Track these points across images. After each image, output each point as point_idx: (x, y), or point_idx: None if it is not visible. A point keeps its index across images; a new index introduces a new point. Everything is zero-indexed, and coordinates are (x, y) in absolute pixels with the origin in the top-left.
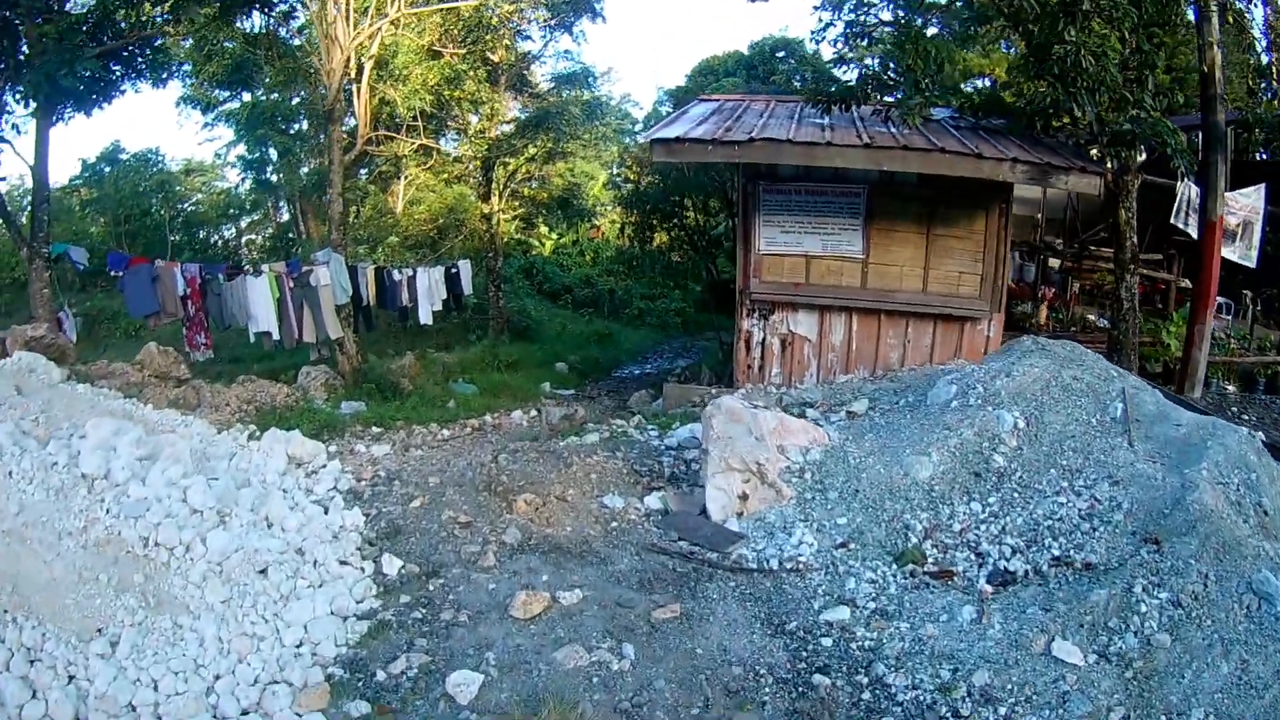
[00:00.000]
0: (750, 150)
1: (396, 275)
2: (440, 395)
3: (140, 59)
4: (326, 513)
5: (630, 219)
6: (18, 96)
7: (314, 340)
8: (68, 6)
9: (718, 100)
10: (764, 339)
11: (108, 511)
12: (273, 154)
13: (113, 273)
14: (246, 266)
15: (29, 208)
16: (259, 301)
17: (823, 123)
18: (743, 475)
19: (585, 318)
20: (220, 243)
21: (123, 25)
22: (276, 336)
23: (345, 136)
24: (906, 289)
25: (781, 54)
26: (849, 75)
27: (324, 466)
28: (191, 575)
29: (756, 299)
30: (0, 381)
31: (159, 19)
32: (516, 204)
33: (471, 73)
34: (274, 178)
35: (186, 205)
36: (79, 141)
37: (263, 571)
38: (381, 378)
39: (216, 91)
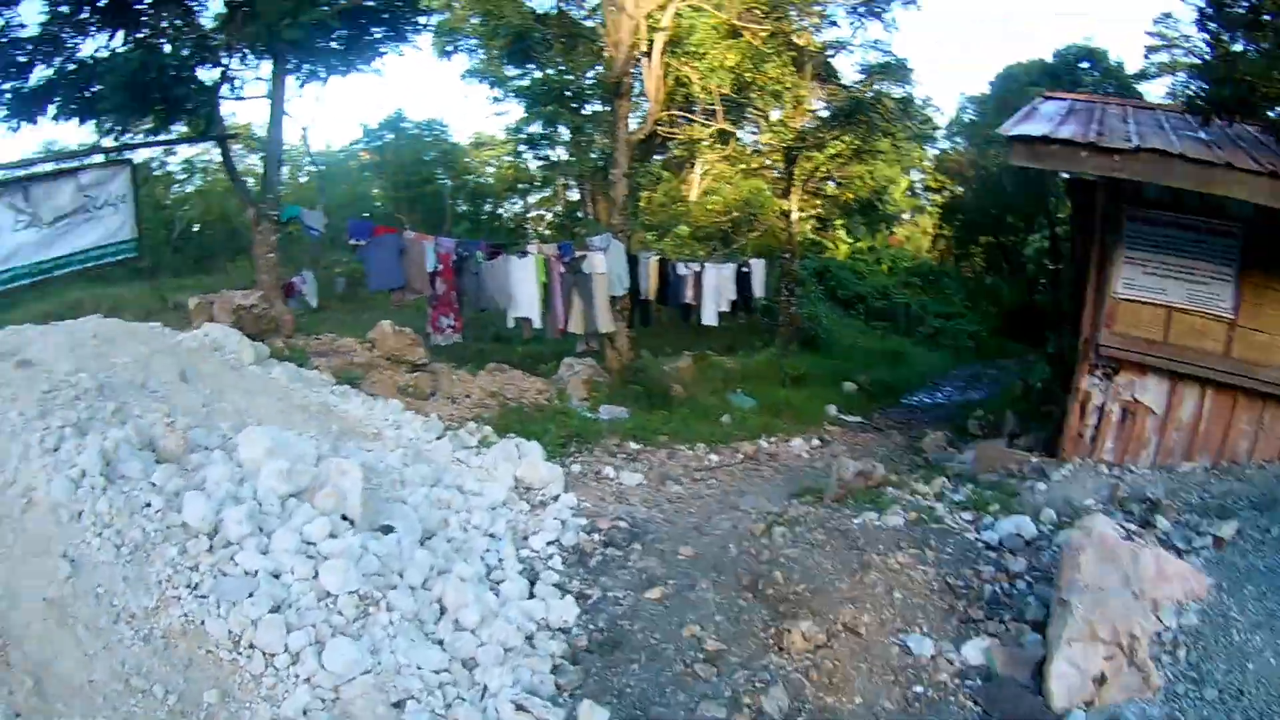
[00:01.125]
0: (1133, 163)
1: (682, 269)
2: (714, 407)
3: (403, 21)
4: (530, 592)
5: (946, 231)
6: (248, 54)
7: (581, 332)
8: None
9: (1067, 99)
10: (1103, 404)
11: (193, 588)
12: (564, 133)
13: (352, 241)
14: (510, 247)
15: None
16: (522, 284)
17: (1200, 137)
18: (1107, 649)
19: (878, 332)
20: (506, 217)
21: None
22: (538, 324)
23: (632, 112)
24: (1274, 363)
25: (1086, 64)
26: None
27: (556, 499)
28: (286, 707)
29: (1104, 354)
30: (164, 362)
31: None
32: (817, 203)
33: (775, 56)
34: (559, 156)
35: (473, 178)
36: (362, 108)
37: (398, 705)
38: (652, 380)
39: (506, 67)
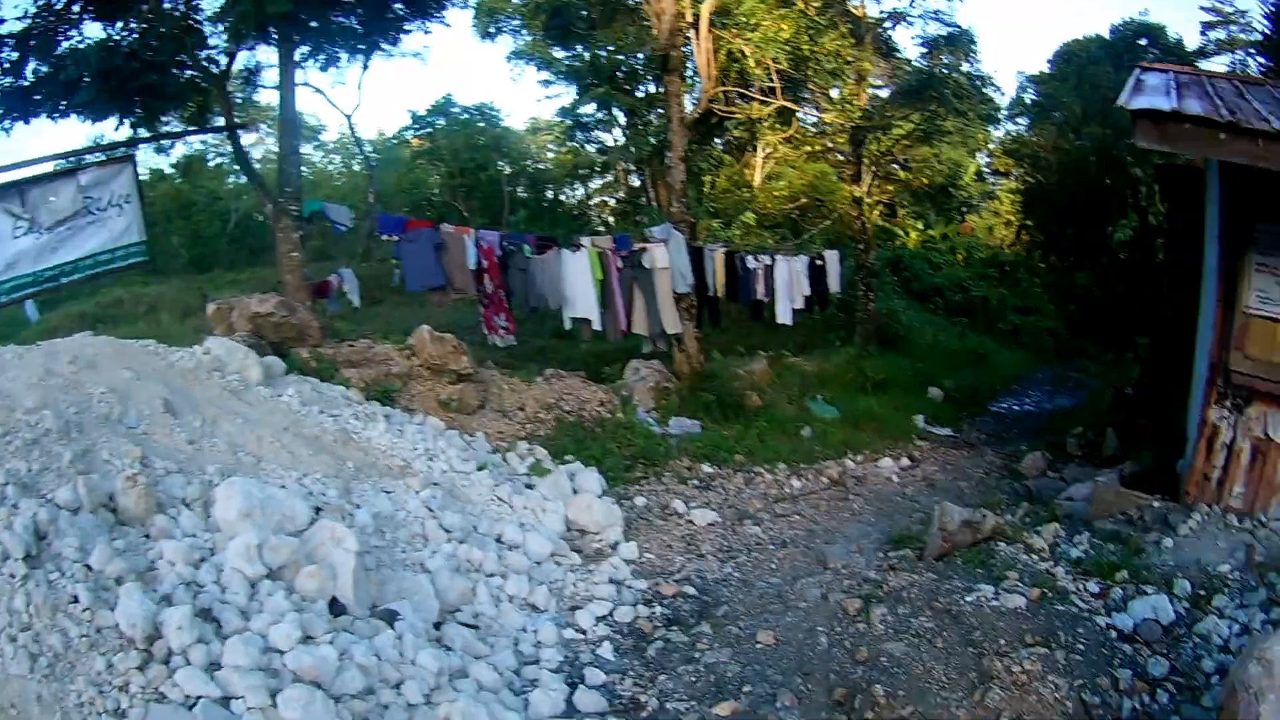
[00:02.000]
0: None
1: (752, 263)
2: (793, 418)
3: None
4: (569, 701)
5: (1028, 221)
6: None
7: (646, 333)
8: None
9: (1166, 70)
10: (1232, 440)
11: (119, 717)
12: (620, 116)
13: (384, 237)
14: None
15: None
16: (577, 282)
17: None
18: None
19: (957, 328)
20: (567, 204)
21: None
22: (598, 325)
23: (686, 92)
24: None
25: (1144, 41)
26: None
27: (614, 548)
28: None
29: (1236, 382)
30: (149, 390)
31: None
32: (889, 188)
33: (831, 27)
34: (617, 140)
35: (531, 164)
36: (411, 95)
37: None
38: (725, 388)
39: (554, 48)
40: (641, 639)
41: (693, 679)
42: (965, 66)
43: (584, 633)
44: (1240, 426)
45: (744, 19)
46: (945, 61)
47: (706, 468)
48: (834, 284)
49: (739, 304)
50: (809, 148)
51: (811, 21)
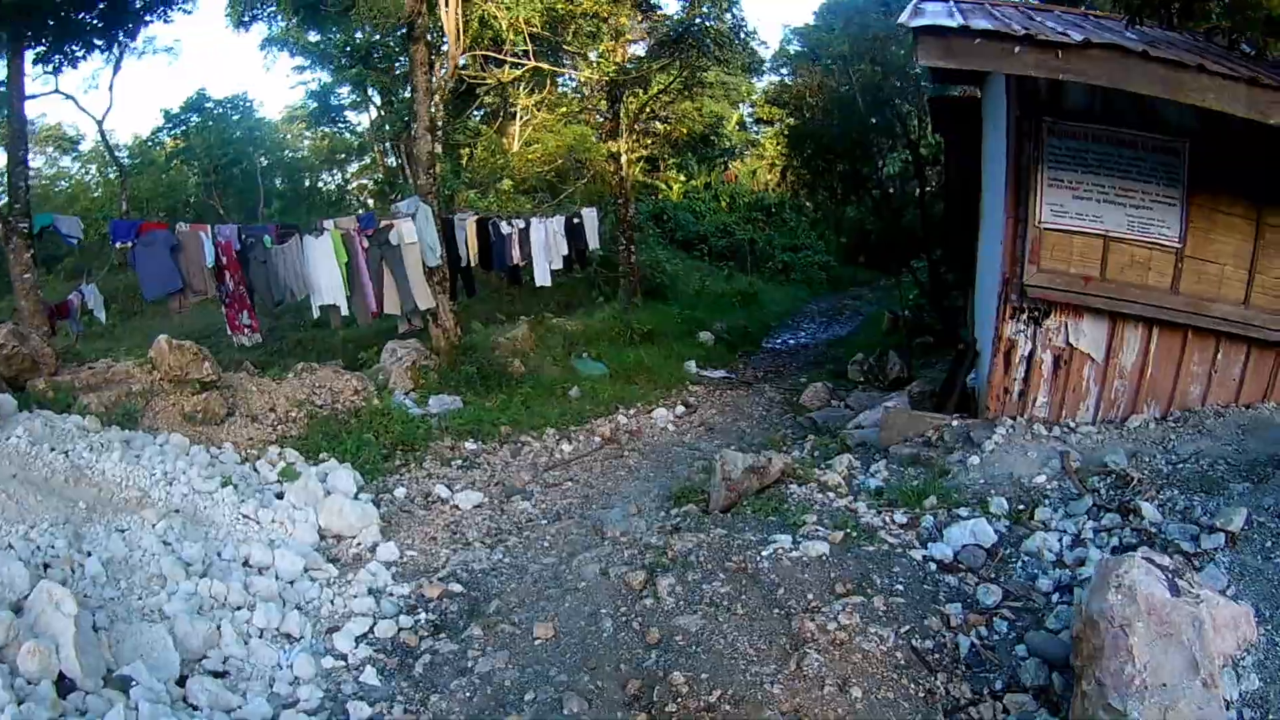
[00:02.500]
0: (1082, 62)
1: (505, 228)
2: (560, 379)
3: None
4: None
5: (794, 161)
6: None
7: (398, 312)
8: None
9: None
10: (1031, 351)
11: None
12: (375, 96)
13: (118, 244)
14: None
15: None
16: (322, 268)
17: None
18: None
19: (724, 272)
20: (325, 190)
21: None
22: (346, 311)
23: (431, 56)
24: (1226, 298)
25: None
26: None
27: (373, 552)
28: None
29: (1033, 295)
30: None
31: None
32: (648, 142)
33: None
34: (370, 121)
35: (288, 153)
36: (167, 93)
37: None
38: (486, 357)
39: (309, 32)
40: (408, 655)
41: (468, 694)
42: (727, 16)
43: (344, 658)
44: (1039, 338)
45: None
46: (705, 11)
47: (470, 444)
48: (592, 241)
49: (495, 271)
50: (565, 110)
51: None
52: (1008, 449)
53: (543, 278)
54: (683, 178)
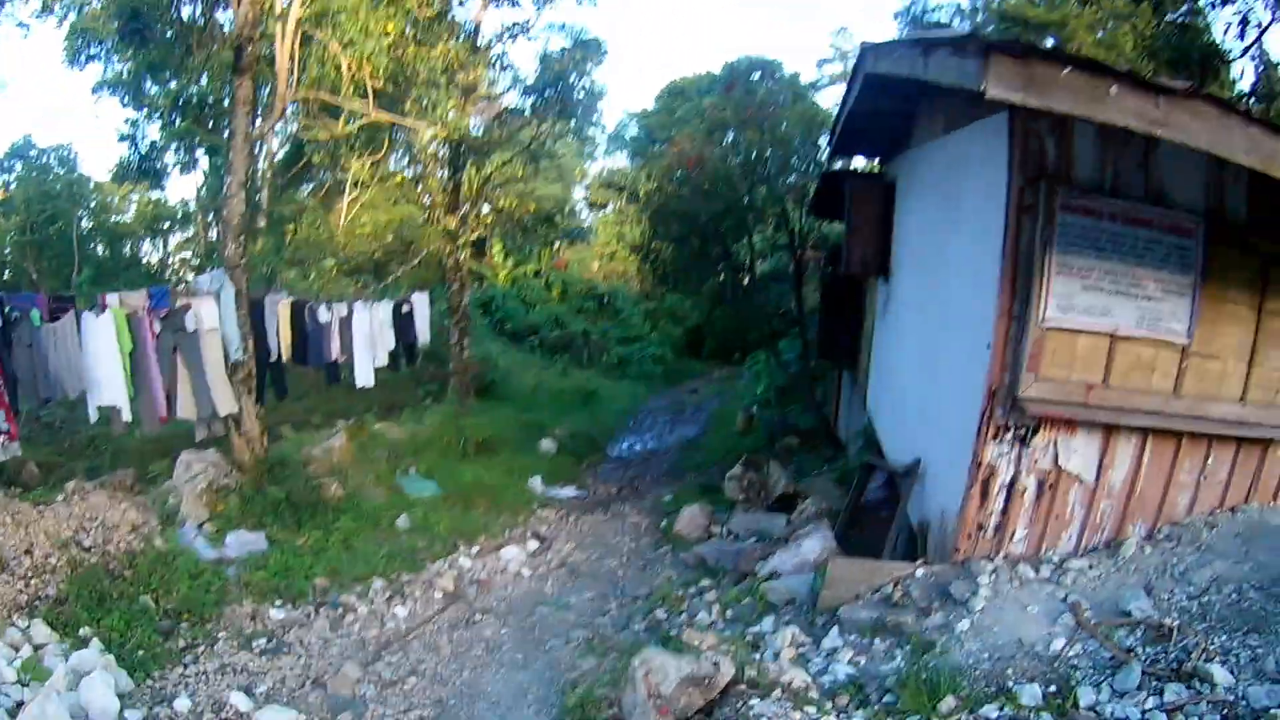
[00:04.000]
0: (1186, 115)
1: (324, 314)
2: (385, 505)
3: None
4: None
5: (659, 243)
6: None
7: (193, 417)
8: None
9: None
10: (1014, 477)
11: None
12: (203, 160)
13: None
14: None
15: None
16: (100, 357)
17: None
18: None
19: (559, 366)
20: (150, 262)
21: None
22: (128, 416)
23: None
24: (1224, 396)
25: (758, 74)
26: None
27: None
28: None
29: (1031, 412)
30: None
31: None
32: (489, 220)
33: (447, 33)
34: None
35: (115, 216)
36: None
37: None
38: (297, 476)
39: (148, 82)
40: None
41: None
42: (585, 81)
43: None
44: (1024, 461)
45: (343, 13)
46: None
47: (276, 611)
48: (423, 333)
49: (311, 366)
50: (399, 180)
51: (423, 25)
52: (1000, 605)
53: (365, 377)
54: (509, 263)
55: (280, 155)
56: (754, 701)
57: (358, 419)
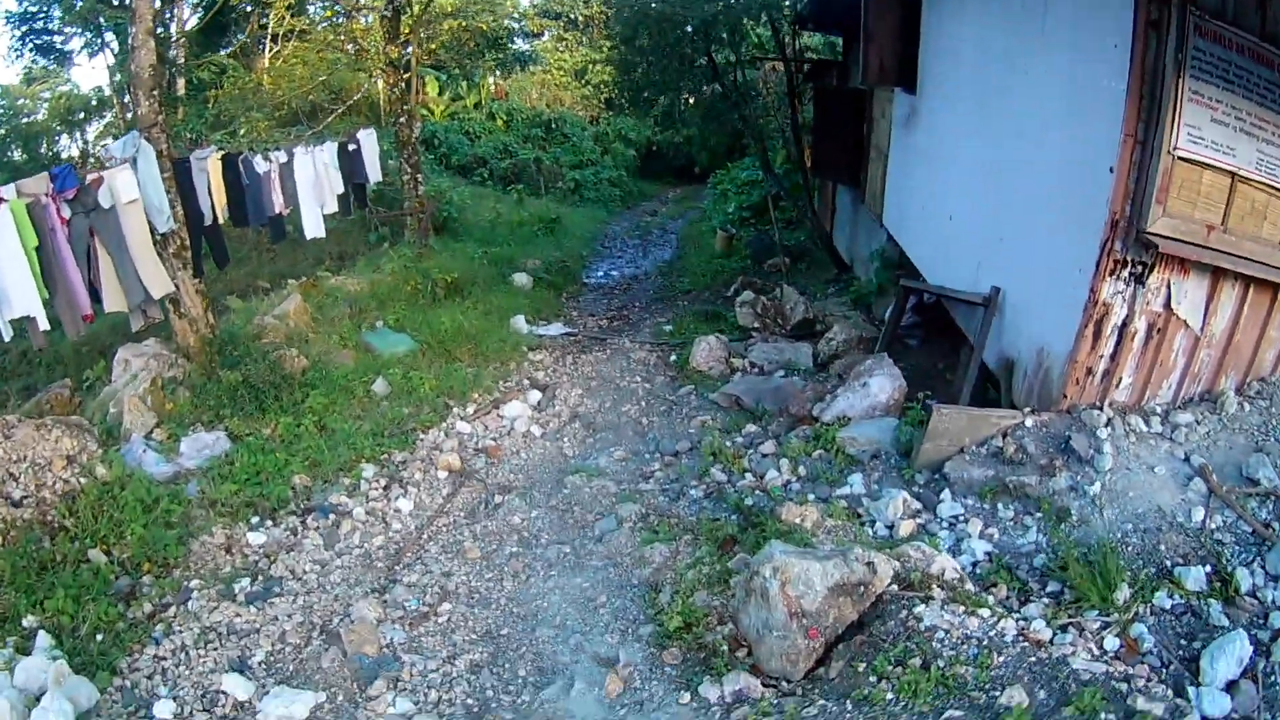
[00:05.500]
0: None
1: (261, 165)
2: (357, 370)
3: None
4: None
5: (631, 55)
6: None
7: (124, 307)
8: None
9: None
10: (1125, 319)
11: None
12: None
13: None
14: None
15: None
16: (4, 262)
17: None
18: None
19: (514, 197)
20: (66, 158)
21: None
22: (45, 325)
23: None
24: None
25: None
26: None
27: None
28: None
29: (1153, 245)
30: None
31: None
32: (434, 47)
33: None
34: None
35: (26, 118)
36: None
37: None
38: (253, 353)
39: None
40: None
41: None
42: None
43: None
44: (1139, 301)
45: None
46: None
47: (255, 535)
48: (373, 172)
49: (251, 227)
50: (325, 35)
51: None
52: (1126, 465)
53: (314, 227)
54: (446, 97)
55: (192, 21)
56: (919, 608)
57: (309, 276)
